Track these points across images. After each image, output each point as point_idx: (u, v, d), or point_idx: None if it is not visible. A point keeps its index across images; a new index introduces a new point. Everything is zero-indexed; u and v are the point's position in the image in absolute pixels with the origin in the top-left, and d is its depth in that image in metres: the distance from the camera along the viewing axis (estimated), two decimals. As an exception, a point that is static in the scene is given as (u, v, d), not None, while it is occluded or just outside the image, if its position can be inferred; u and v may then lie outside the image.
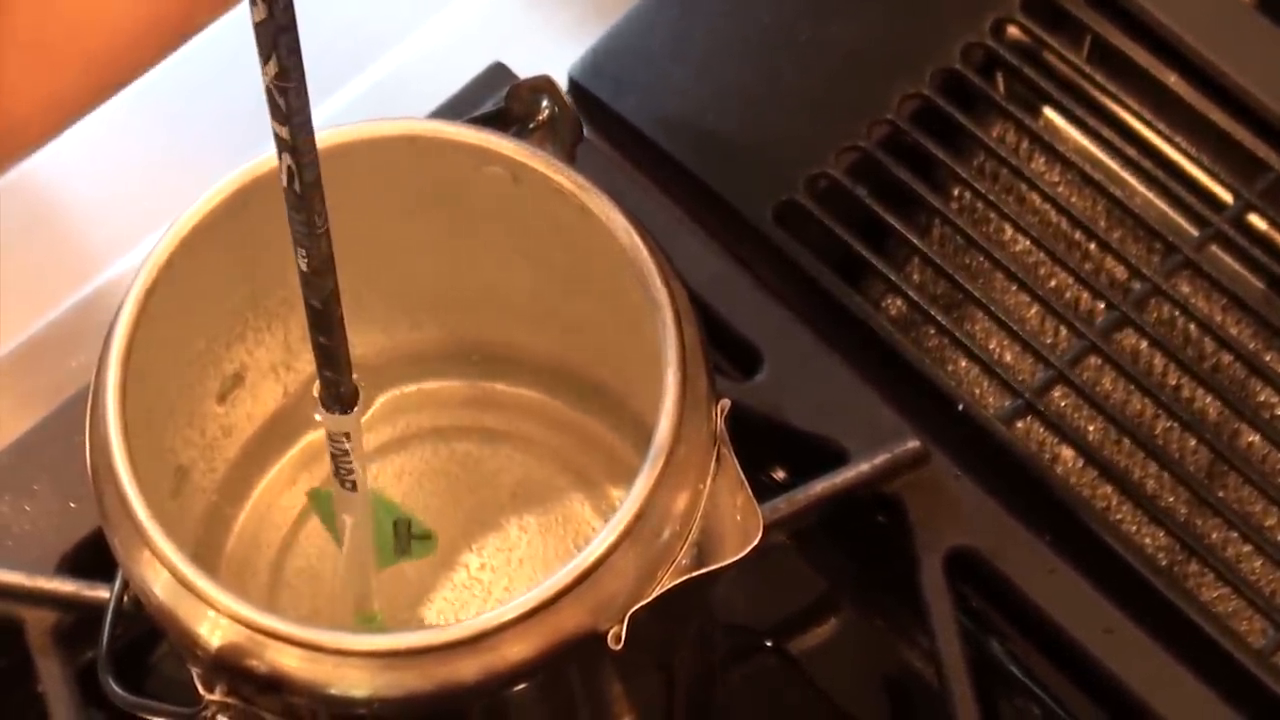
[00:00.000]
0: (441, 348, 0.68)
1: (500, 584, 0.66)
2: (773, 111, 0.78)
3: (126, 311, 0.57)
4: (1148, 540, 0.71)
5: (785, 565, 0.72)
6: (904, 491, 0.69)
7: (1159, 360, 0.75)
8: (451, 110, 0.76)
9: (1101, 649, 0.68)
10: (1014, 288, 0.76)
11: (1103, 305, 0.75)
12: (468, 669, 0.53)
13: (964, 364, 0.75)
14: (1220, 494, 0.72)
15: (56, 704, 0.67)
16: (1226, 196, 0.77)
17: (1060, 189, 0.78)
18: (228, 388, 0.65)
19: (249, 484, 0.68)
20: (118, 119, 0.79)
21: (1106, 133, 0.78)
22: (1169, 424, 0.74)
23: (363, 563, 0.63)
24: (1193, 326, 0.75)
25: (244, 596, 0.54)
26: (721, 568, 0.55)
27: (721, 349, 0.71)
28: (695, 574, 0.55)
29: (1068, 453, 0.73)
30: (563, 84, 0.69)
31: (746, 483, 0.56)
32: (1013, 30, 0.79)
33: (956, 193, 0.78)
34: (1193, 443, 0.73)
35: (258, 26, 0.47)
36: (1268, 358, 0.75)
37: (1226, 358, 0.75)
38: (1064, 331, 0.75)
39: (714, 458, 0.56)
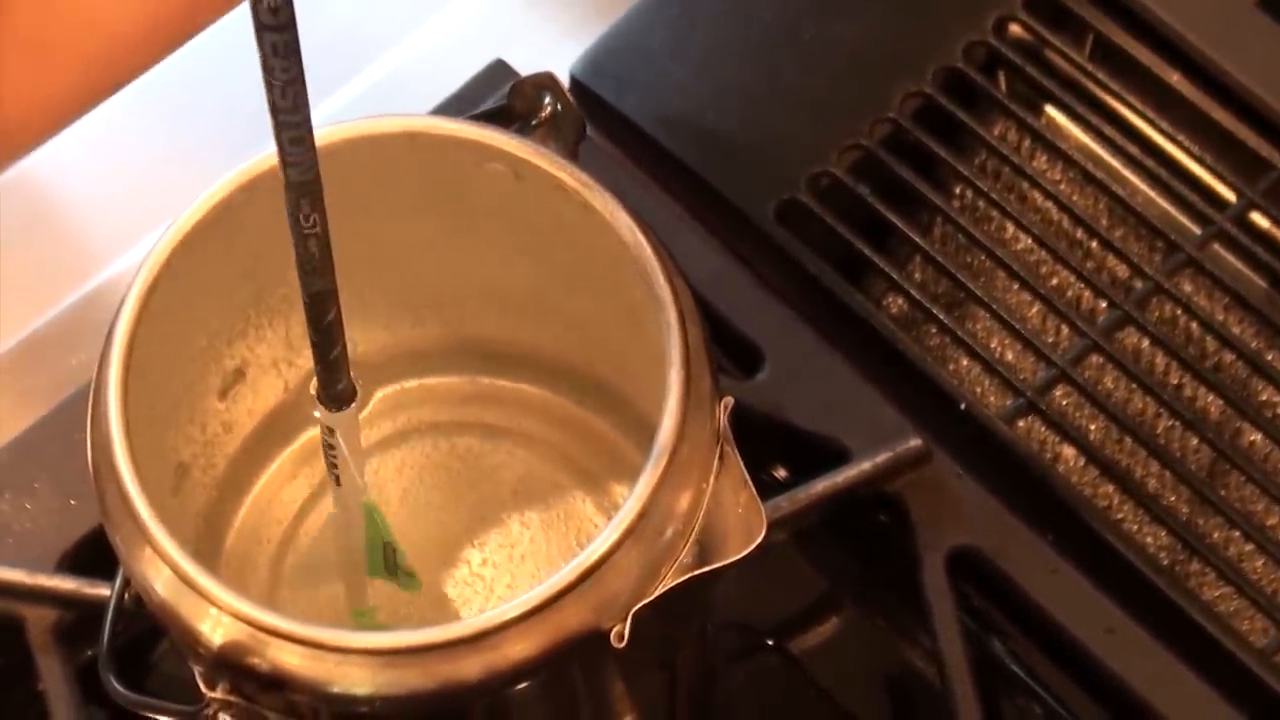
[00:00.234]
0: (443, 344, 0.68)
1: (502, 581, 0.66)
2: (774, 110, 0.78)
3: (128, 309, 0.57)
4: (1149, 539, 0.71)
5: (787, 564, 0.72)
6: (906, 490, 0.69)
7: (1161, 359, 0.75)
8: (453, 108, 0.76)
9: (1103, 648, 0.68)
10: (1016, 286, 0.76)
11: (1104, 304, 0.75)
12: (470, 667, 0.53)
13: (966, 363, 0.75)
14: (1222, 493, 0.72)
15: (57, 702, 0.67)
16: (1229, 195, 0.77)
17: (1062, 187, 0.78)
18: (229, 384, 0.65)
19: (249, 480, 0.68)
20: (119, 116, 0.79)
21: (1108, 131, 0.78)
22: (1171, 423, 0.74)
23: (354, 559, 0.63)
24: (1195, 325, 0.75)
25: (244, 593, 0.54)
26: (724, 566, 0.55)
27: (723, 347, 0.71)
28: (698, 572, 0.54)
29: (1069, 452, 0.73)
30: (564, 82, 0.68)
31: (749, 481, 0.56)
32: (1015, 28, 0.79)
33: (958, 191, 0.78)
34: (1195, 442, 0.73)
35: (258, 24, 0.47)
36: (1270, 357, 0.75)
37: (1228, 357, 0.75)
38: (1066, 330, 0.75)
39: (717, 456, 0.56)
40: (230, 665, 0.54)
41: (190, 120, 0.80)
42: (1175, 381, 0.74)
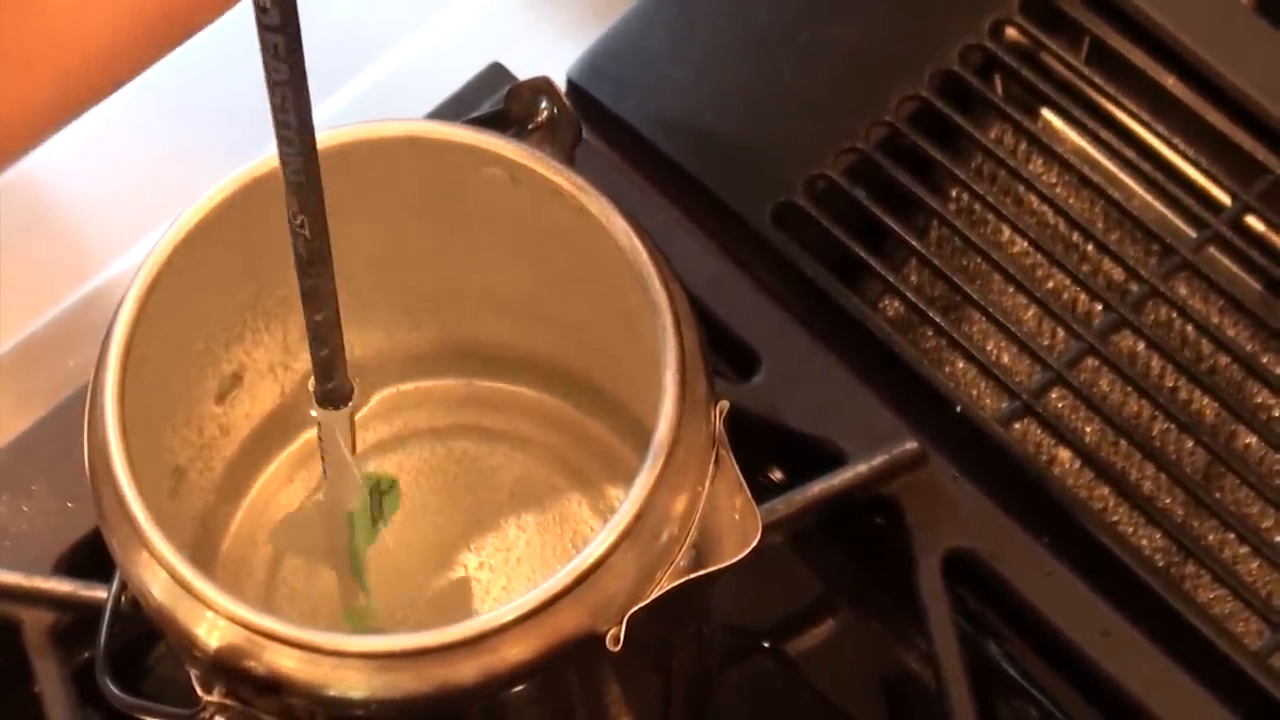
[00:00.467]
0: (440, 347, 0.68)
1: (498, 583, 0.66)
2: (771, 113, 0.78)
3: (125, 311, 0.57)
4: (1145, 542, 0.71)
5: (783, 567, 0.72)
6: (902, 493, 0.69)
7: (1156, 362, 0.75)
8: (450, 111, 0.76)
9: (1099, 651, 0.68)
10: (1012, 289, 0.76)
11: (1100, 307, 0.75)
12: (466, 670, 0.53)
13: (962, 365, 0.75)
14: (1217, 495, 0.72)
15: (54, 704, 0.67)
16: (1224, 198, 0.77)
17: (1058, 190, 0.78)
18: (226, 388, 0.65)
19: (246, 483, 0.68)
20: (117, 117, 0.79)
21: (1105, 134, 0.78)
22: (1166, 425, 0.74)
23: (350, 554, 0.63)
24: (1190, 328, 0.75)
25: (241, 596, 0.54)
26: (720, 569, 0.55)
27: (719, 350, 0.71)
28: (694, 575, 0.55)
29: (1065, 454, 0.73)
30: (561, 85, 0.68)
31: (745, 484, 0.56)
32: (1011, 32, 0.80)
33: (954, 194, 0.78)
34: (1190, 444, 0.73)
35: (260, 24, 0.47)
36: (1265, 359, 0.75)
37: (1224, 359, 0.75)
38: (1061, 333, 0.75)
39: (713, 459, 0.56)
40: (226, 668, 0.54)
41: (190, 121, 0.80)
42: (1171, 384, 0.74)
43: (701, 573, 0.55)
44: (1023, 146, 0.79)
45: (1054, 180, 0.78)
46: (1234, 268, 0.77)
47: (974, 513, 0.70)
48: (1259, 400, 0.75)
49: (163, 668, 0.69)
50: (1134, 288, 0.75)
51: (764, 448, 0.71)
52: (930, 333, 0.75)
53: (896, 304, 0.76)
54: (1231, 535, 0.71)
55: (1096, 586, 0.69)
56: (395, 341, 0.68)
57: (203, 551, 0.65)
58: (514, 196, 0.60)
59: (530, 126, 0.63)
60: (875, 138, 0.77)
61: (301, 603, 0.66)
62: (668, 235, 0.69)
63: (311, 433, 0.67)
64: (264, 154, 0.57)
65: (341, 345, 0.55)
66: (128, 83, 0.77)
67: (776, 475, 0.73)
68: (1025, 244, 0.77)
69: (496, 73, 0.77)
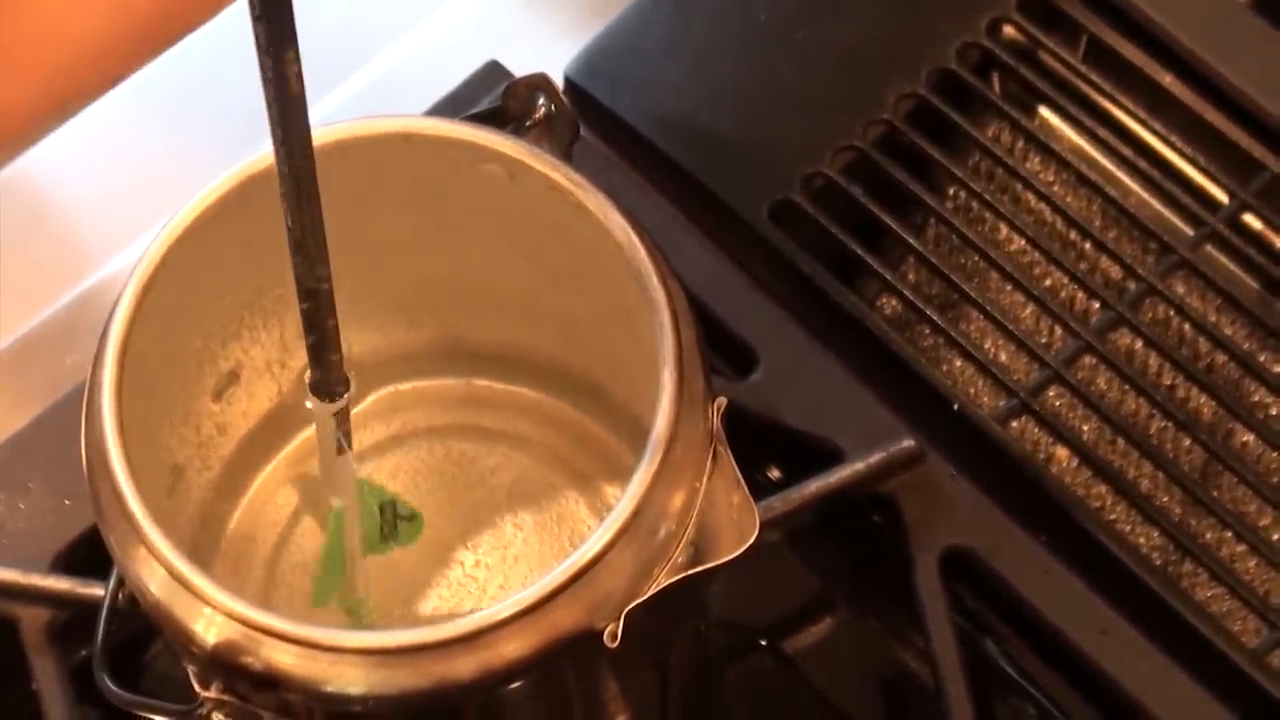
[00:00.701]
0: (437, 346, 0.68)
1: (495, 581, 0.66)
2: (768, 110, 0.78)
3: (122, 309, 0.57)
4: (1142, 540, 0.71)
5: (780, 564, 0.72)
6: (899, 491, 0.69)
7: (1154, 360, 0.75)
8: (447, 109, 0.76)
9: (1096, 649, 0.68)
10: (1009, 287, 0.76)
11: (1098, 305, 0.75)
12: (463, 667, 0.53)
13: (959, 363, 0.75)
14: (1215, 494, 0.72)
15: (51, 702, 0.67)
16: (1222, 196, 0.77)
17: (1055, 189, 0.78)
18: (223, 385, 0.65)
19: (244, 481, 0.68)
20: (114, 115, 0.79)
21: (1102, 132, 0.78)
22: (1164, 424, 0.74)
23: (349, 549, 0.63)
24: (1187, 326, 0.75)
25: (239, 594, 0.54)
26: (717, 566, 0.55)
27: (716, 348, 0.71)
28: (691, 572, 0.55)
29: (1063, 452, 0.73)
30: (558, 83, 0.68)
31: (743, 481, 0.56)
32: (1008, 30, 0.80)
33: (952, 192, 0.78)
34: (1187, 443, 0.73)
35: (255, 21, 0.47)
36: (1262, 358, 0.75)
37: (1221, 358, 0.75)
38: (1059, 331, 0.75)
39: (710, 456, 0.56)
40: (224, 665, 0.54)
41: (187, 119, 0.80)
42: (1168, 382, 0.74)
43: (699, 569, 0.55)
44: (1020, 145, 0.79)
45: (1051, 178, 0.78)
46: (1231, 266, 0.77)
47: (971, 511, 0.70)
48: (1256, 398, 0.75)
49: (160, 664, 0.69)
50: (1131, 286, 0.75)
51: (761, 445, 0.71)
52: (928, 331, 0.75)
53: (894, 302, 0.76)
54: (1229, 534, 0.71)
55: (1094, 585, 0.69)
56: (392, 340, 0.68)
57: (201, 549, 0.65)
58: (511, 193, 0.60)
59: (527, 123, 0.63)
60: (873, 136, 0.77)
61: (299, 600, 0.66)
62: (665, 233, 0.69)
63: (309, 432, 0.67)
64: (260, 151, 0.57)
65: (336, 333, 0.55)
66: (119, 82, 0.77)
67: (774, 473, 0.73)
68: (1023, 242, 0.77)
69: (494, 71, 0.77)
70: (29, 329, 0.75)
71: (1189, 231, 0.77)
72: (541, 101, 0.64)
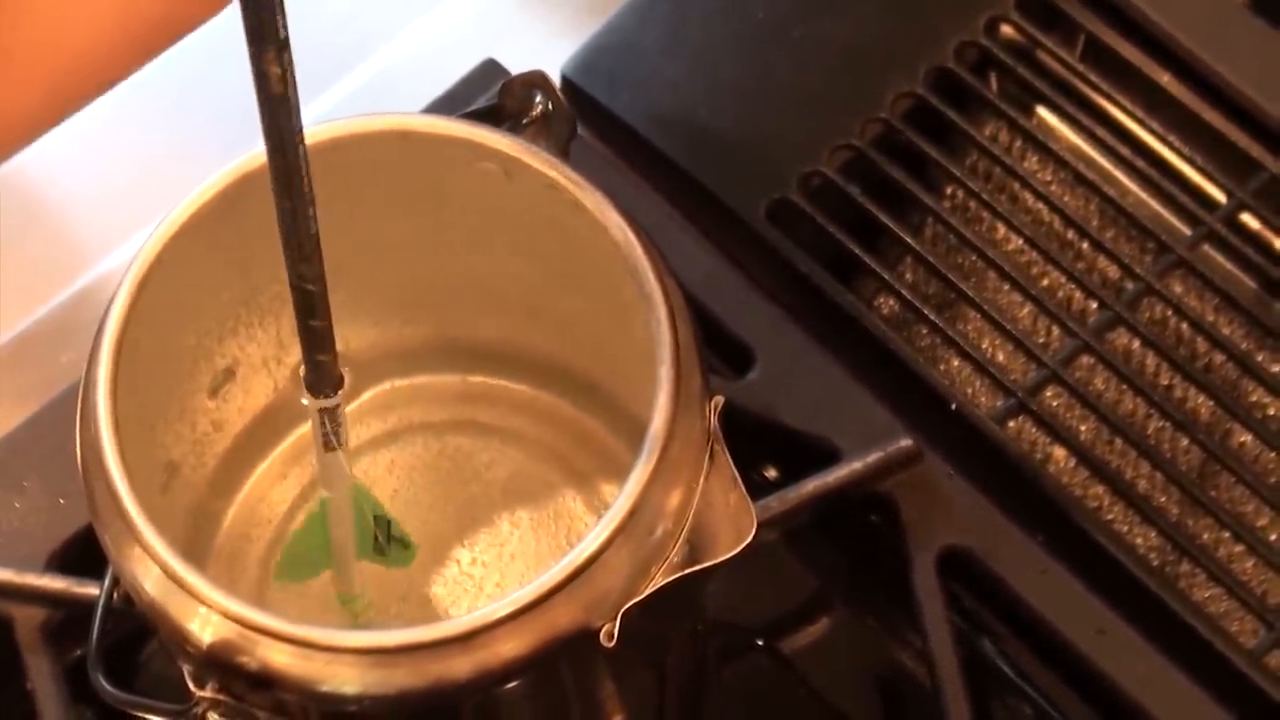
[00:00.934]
0: (433, 343, 0.68)
1: (492, 580, 0.66)
2: (766, 109, 0.78)
3: (118, 307, 0.57)
4: (1140, 540, 0.71)
5: (777, 564, 0.72)
6: (896, 490, 0.69)
7: (1151, 360, 0.75)
8: (444, 107, 0.75)
9: (1094, 649, 0.68)
10: (1006, 287, 0.76)
11: (1095, 305, 0.75)
12: (459, 666, 0.53)
13: (956, 363, 0.75)
14: (1212, 494, 0.72)
15: (46, 701, 0.67)
16: (1219, 196, 0.77)
17: (1053, 188, 0.78)
18: (219, 383, 0.65)
19: (239, 479, 0.68)
20: (111, 114, 0.78)
21: (1100, 132, 0.78)
22: (1161, 424, 0.74)
23: (343, 543, 0.63)
24: (1185, 326, 0.75)
25: (234, 592, 0.53)
26: (714, 565, 0.55)
27: (714, 347, 0.71)
28: (688, 571, 0.54)
29: (1060, 452, 0.73)
30: (555, 81, 0.68)
31: (740, 480, 0.56)
32: (1006, 29, 0.79)
33: (949, 191, 0.78)
34: (1185, 443, 0.73)
35: (247, 19, 0.47)
36: (1260, 358, 0.75)
37: (1219, 358, 0.75)
38: (1056, 331, 0.75)
39: (707, 455, 0.56)
40: (219, 664, 0.54)
41: (183, 117, 0.80)
42: (1166, 382, 0.74)
43: (695, 568, 0.55)
44: (1018, 144, 0.79)
45: (1049, 178, 0.78)
46: (1229, 265, 0.77)
47: (969, 510, 0.70)
48: (1254, 398, 0.75)
49: (155, 664, 0.69)
50: (1129, 285, 0.75)
51: (758, 445, 0.71)
52: (925, 330, 0.75)
53: (891, 301, 0.76)
54: (1227, 534, 0.71)
55: (1091, 584, 0.69)
56: (389, 337, 0.68)
57: (195, 547, 0.65)
58: (508, 191, 0.60)
59: (524, 121, 0.63)
60: (870, 135, 0.77)
61: (295, 598, 0.66)
62: (662, 231, 0.69)
63: (305, 428, 0.67)
64: (256, 149, 0.57)
65: (327, 333, 0.55)
66: (118, 83, 0.77)
67: (771, 472, 0.73)
68: (1020, 241, 0.76)
69: (490, 69, 0.77)
70: (24, 326, 0.75)
71: (1187, 231, 0.77)
72: (538, 99, 0.63)
